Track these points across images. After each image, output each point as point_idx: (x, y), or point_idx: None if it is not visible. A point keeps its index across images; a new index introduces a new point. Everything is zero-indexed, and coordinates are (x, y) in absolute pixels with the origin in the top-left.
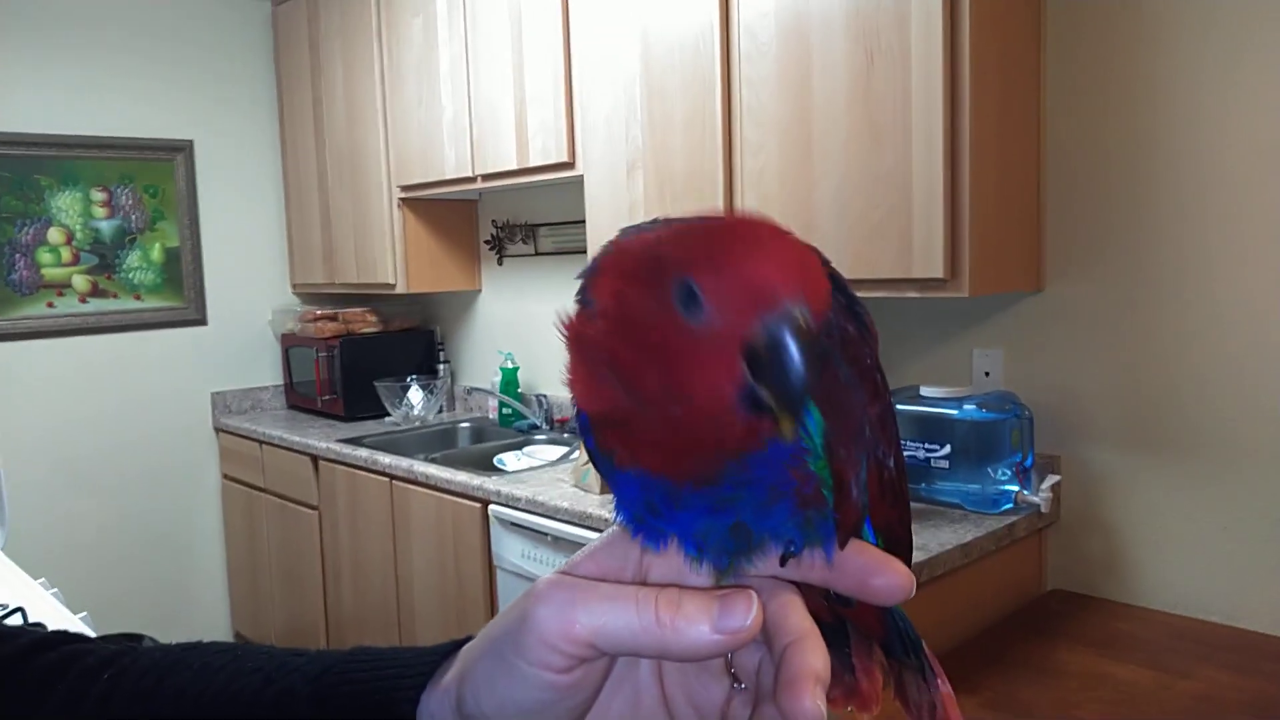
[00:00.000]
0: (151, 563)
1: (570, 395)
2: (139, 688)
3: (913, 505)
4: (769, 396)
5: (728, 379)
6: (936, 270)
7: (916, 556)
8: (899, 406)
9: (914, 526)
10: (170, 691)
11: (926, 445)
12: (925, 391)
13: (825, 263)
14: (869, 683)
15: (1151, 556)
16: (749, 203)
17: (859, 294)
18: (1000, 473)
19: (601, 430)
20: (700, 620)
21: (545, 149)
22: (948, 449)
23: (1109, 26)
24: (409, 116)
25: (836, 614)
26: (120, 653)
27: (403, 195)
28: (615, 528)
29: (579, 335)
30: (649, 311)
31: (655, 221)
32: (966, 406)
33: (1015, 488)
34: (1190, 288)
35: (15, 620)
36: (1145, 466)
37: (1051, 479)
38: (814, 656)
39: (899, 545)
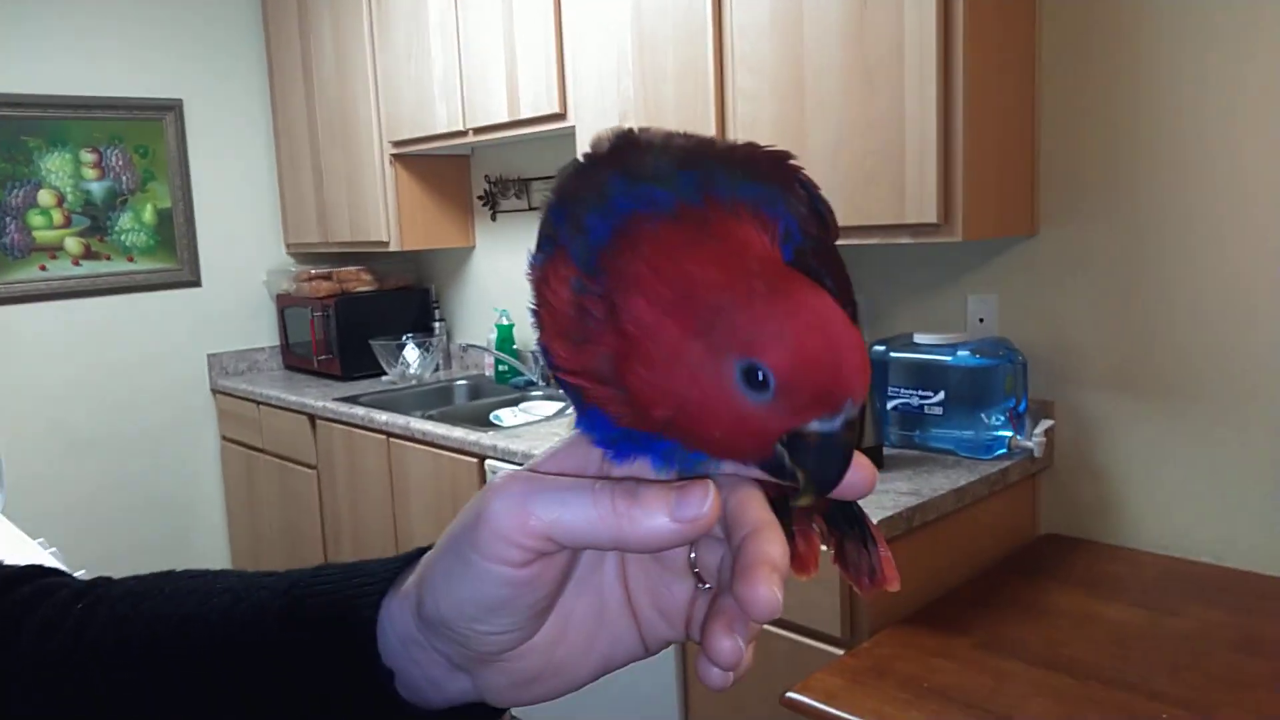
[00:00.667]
0: (152, 524)
1: (542, 344)
2: (113, 614)
3: (907, 452)
4: (801, 477)
5: (760, 448)
6: (930, 215)
7: (909, 501)
8: (892, 355)
9: (908, 472)
10: (145, 616)
11: (920, 392)
12: (919, 338)
13: (804, 183)
14: (806, 547)
15: (1143, 499)
16: None
17: (853, 241)
18: (994, 419)
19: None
20: (657, 509)
21: (536, 101)
22: (941, 395)
23: None
24: (399, 71)
25: (779, 488)
26: (94, 583)
27: (395, 152)
28: (577, 432)
29: (569, 284)
30: (691, 356)
31: (668, 135)
32: (960, 353)
33: (1009, 433)
34: (1185, 231)
35: None
36: (1138, 411)
37: (1045, 424)
38: (771, 546)
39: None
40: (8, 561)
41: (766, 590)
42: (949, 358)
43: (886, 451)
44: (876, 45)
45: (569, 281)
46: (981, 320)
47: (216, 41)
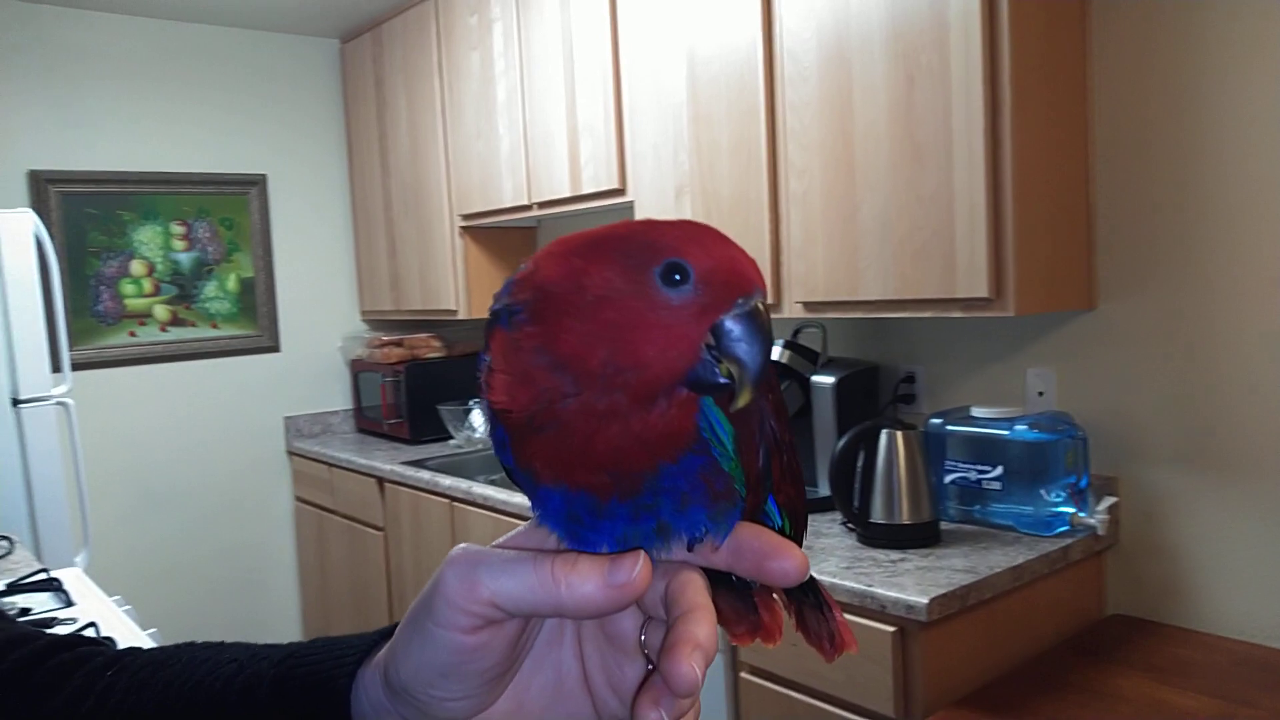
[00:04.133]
0: (225, 582)
1: (486, 405)
2: (134, 681)
3: (965, 527)
4: (731, 367)
5: (689, 348)
6: (981, 290)
7: (964, 579)
8: (949, 428)
9: (964, 548)
10: (160, 683)
11: (978, 466)
12: (976, 412)
13: None
14: (771, 618)
15: (1214, 580)
16: (794, 225)
17: (905, 314)
18: (1054, 494)
19: (522, 444)
20: (591, 575)
21: (597, 176)
22: (999, 470)
23: (1157, 38)
24: (468, 148)
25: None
26: (124, 653)
27: (464, 224)
28: (535, 518)
29: (506, 340)
30: (613, 286)
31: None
32: (1018, 427)
33: (1070, 510)
34: (1246, 302)
35: (90, 633)
36: (1205, 487)
37: (1108, 500)
38: (698, 627)
39: (798, 518)
40: (82, 618)
41: (687, 667)
42: (1007, 432)
43: (944, 526)
44: (924, 122)
45: (500, 341)
46: (1041, 394)
47: (299, 121)
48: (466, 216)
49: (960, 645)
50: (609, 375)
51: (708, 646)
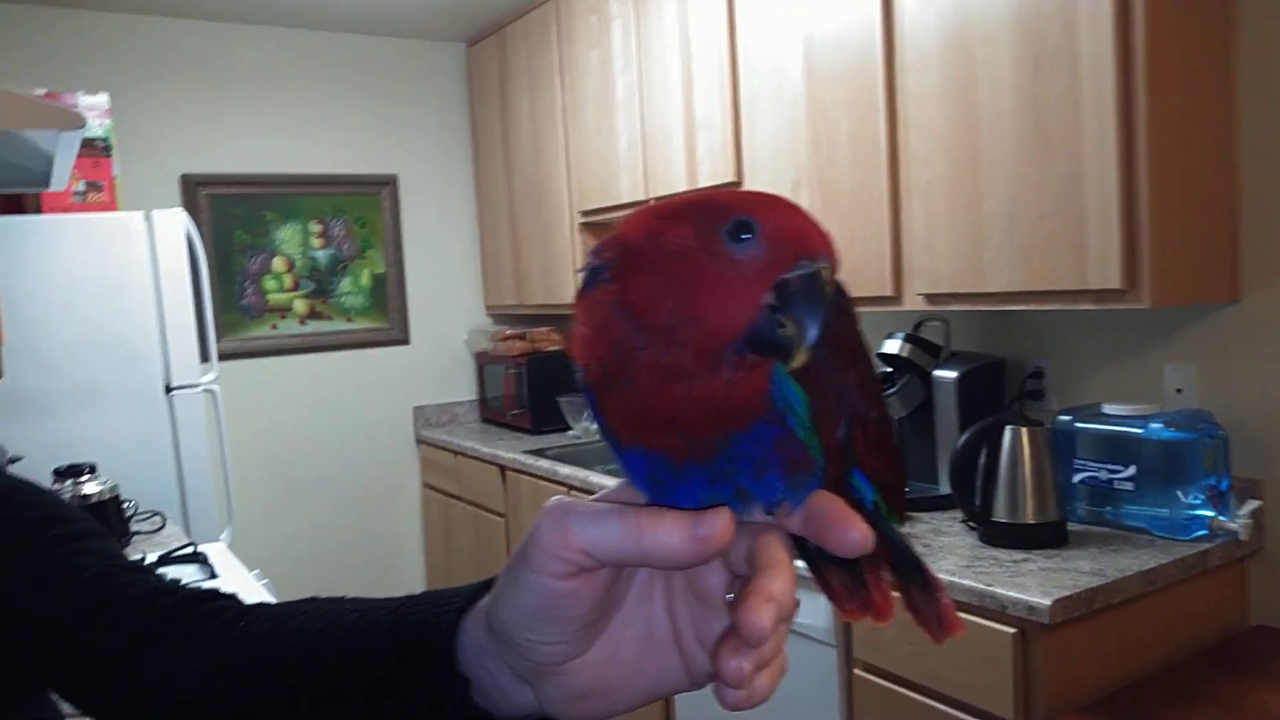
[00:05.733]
0: (356, 562)
1: (573, 358)
2: (263, 629)
3: (1095, 529)
4: (790, 327)
5: (751, 304)
6: (1113, 281)
7: (1091, 581)
8: (1079, 425)
9: (1093, 550)
10: (288, 631)
11: (1110, 465)
12: (1108, 409)
13: None
14: (881, 596)
15: None
16: (916, 216)
17: (1031, 306)
18: (1192, 496)
19: (604, 403)
20: (677, 528)
21: (714, 170)
22: (1133, 470)
23: None
24: (587, 145)
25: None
26: (254, 606)
27: (583, 219)
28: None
29: (589, 298)
30: (685, 243)
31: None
32: (1153, 425)
33: (1210, 513)
34: None
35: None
36: None
37: (1251, 504)
38: (774, 582)
39: (890, 488)
40: (224, 589)
41: (756, 617)
42: (1141, 430)
43: (1071, 527)
44: (1052, 107)
45: (585, 300)
46: (1179, 391)
47: (427, 124)
48: (586, 213)
49: (1085, 650)
50: (674, 327)
51: (782, 600)
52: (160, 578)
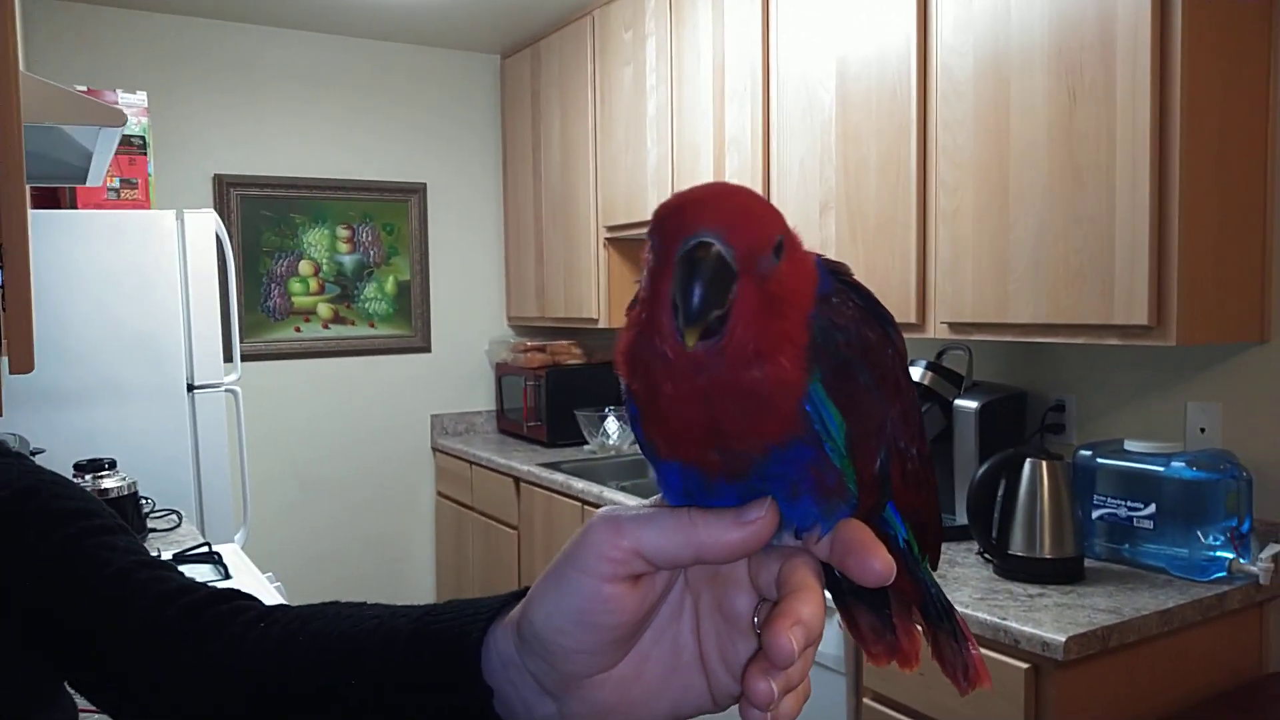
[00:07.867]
0: (368, 568)
1: (618, 372)
2: (285, 631)
3: (1112, 566)
4: (679, 307)
5: (665, 295)
6: (1140, 317)
7: (1107, 619)
8: (1100, 461)
9: (1109, 588)
10: (308, 634)
11: (1129, 503)
12: (1130, 445)
13: (823, 260)
14: (909, 641)
15: None
16: (942, 244)
17: (1057, 340)
18: (1212, 537)
19: (644, 418)
20: (726, 516)
21: None
22: (1153, 508)
23: None
24: (616, 161)
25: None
26: (275, 608)
27: (608, 235)
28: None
29: (632, 312)
30: (648, 254)
31: None
32: (1175, 464)
33: (1229, 555)
34: None
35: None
36: None
37: (1273, 548)
38: (803, 605)
39: (925, 530)
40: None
41: (785, 639)
42: (1163, 468)
43: (1089, 564)
44: (1086, 141)
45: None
46: (1203, 430)
47: (458, 133)
48: (611, 228)
49: (1099, 689)
50: (653, 333)
51: (810, 623)
52: (182, 576)
